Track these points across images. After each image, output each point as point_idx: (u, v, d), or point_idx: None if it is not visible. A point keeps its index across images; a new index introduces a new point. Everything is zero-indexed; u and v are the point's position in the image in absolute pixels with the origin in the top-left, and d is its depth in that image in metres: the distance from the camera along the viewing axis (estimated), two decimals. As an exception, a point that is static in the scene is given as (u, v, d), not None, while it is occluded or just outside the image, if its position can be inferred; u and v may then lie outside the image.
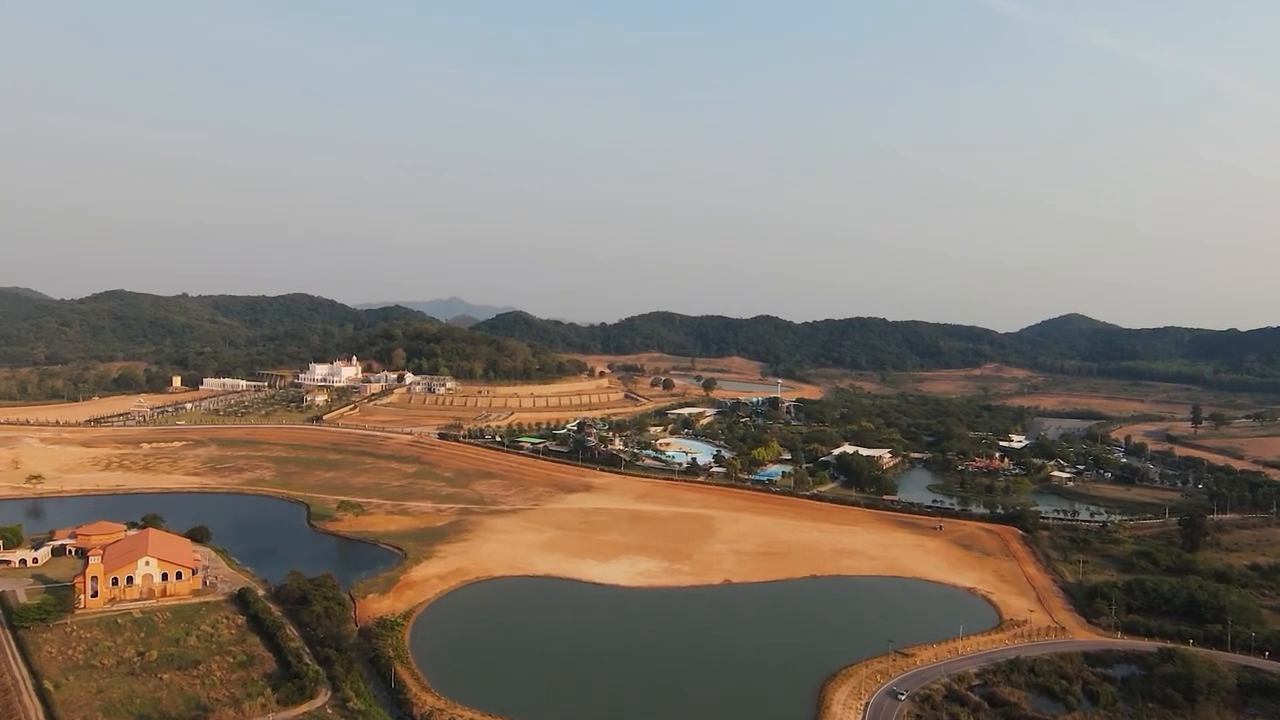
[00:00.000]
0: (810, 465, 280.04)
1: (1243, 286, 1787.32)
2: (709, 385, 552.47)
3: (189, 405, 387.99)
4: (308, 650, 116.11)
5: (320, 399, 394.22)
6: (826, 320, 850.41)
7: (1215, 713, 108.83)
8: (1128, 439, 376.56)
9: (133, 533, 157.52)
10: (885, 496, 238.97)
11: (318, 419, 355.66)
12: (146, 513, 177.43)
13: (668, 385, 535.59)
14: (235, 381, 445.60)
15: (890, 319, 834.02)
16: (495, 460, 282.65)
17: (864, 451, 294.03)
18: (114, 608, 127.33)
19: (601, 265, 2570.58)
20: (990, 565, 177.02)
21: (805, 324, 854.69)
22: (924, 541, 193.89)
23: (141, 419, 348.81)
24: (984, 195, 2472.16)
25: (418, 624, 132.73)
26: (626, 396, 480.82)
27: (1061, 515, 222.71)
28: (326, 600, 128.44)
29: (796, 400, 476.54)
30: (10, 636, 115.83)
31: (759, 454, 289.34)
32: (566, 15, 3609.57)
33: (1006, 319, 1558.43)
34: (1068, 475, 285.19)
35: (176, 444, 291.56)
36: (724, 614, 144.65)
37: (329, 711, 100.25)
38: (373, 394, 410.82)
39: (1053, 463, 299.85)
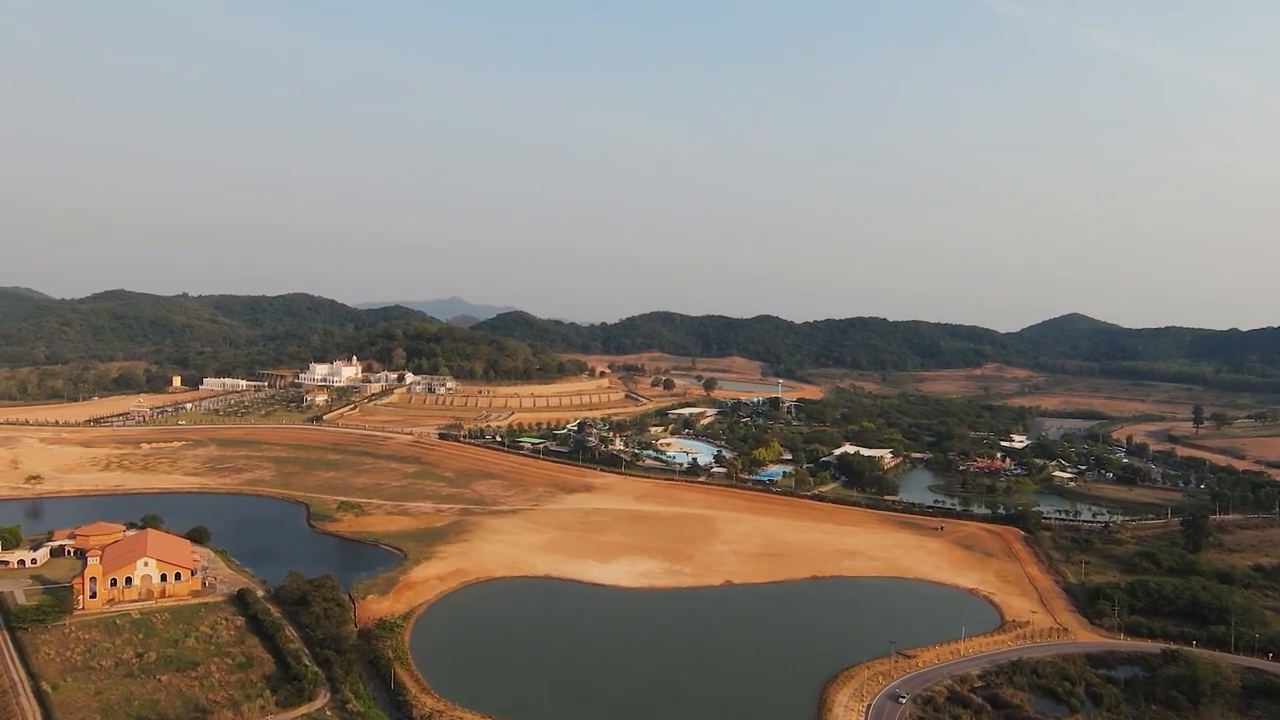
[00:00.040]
0: (811, 465, 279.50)
1: (1243, 286, 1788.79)
2: (710, 385, 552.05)
3: (189, 405, 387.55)
4: (307, 652, 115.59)
5: (320, 399, 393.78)
6: (827, 320, 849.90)
7: (1219, 715, 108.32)
8: (1129, 439, 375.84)
9: (132, 533, 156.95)
10: (887, 497, 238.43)
11: (318, 419, 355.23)
12: (146, 513, 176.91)
13: (668, 385, 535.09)
14: (235, 381, 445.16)
15: (891, 319, 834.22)
16: (495, 460, 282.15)
17: (865, 452, 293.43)
18: (112, 609, 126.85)
19: (602, 265, 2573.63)
20: (992, 566, 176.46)
21: (806, 324, 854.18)
22: (925, 542, 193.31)
23: (141, 419, 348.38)
24: (984, 195, 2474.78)
25: (418, 625, 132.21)
26: (627, 396, 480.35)
27: (1063, 516, 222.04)
28: (326, 601, 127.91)
29: (797, 400, 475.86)
30: (8, 638, 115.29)
31: (760, 454, 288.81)
32: (566, 15, 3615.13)
33: (1007, 319, 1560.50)
34: (1069, 475, 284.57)
35: (176, 444, 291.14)
36: (725, 615, 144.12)
37: (328, 713, 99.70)
38: (373, 394, 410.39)
39: (1054, 463, 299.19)
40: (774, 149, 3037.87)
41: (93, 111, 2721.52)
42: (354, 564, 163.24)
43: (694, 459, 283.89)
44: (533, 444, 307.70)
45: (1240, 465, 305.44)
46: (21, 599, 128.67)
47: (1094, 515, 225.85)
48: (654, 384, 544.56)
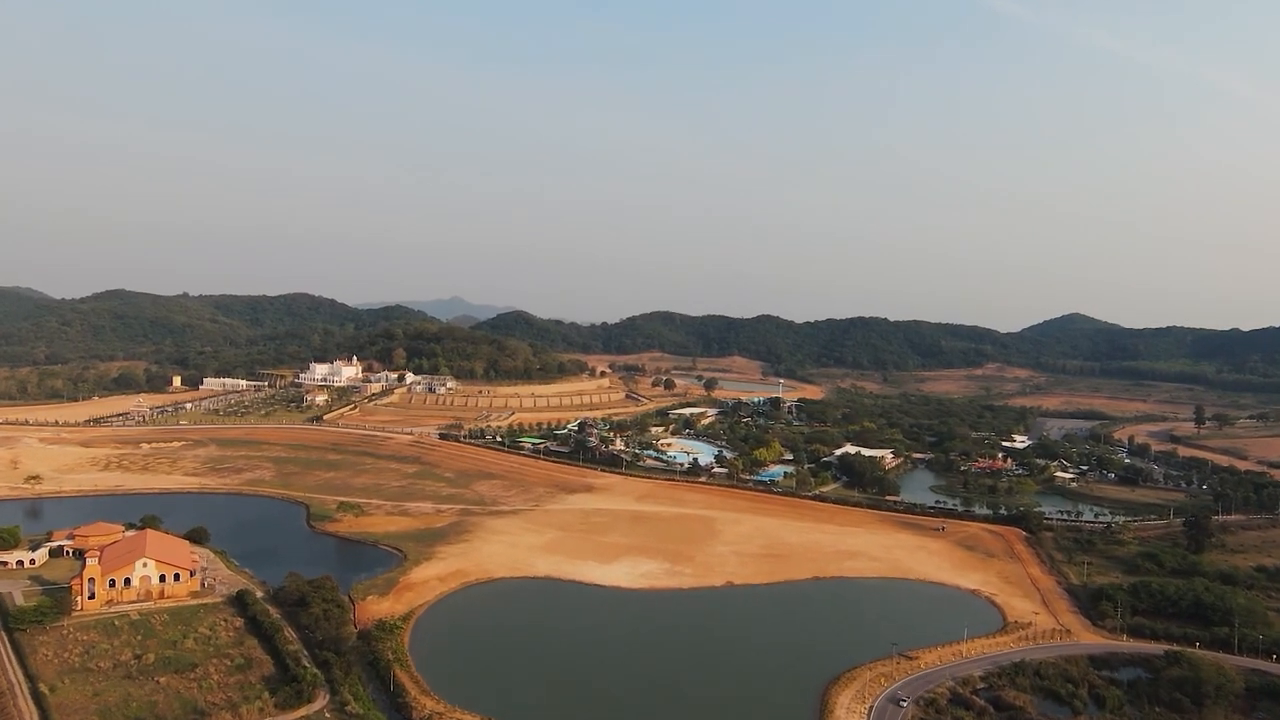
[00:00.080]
0: (812, 466, 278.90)
1: (1244, 286, 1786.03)
2: (710, 385, 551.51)
3: (189, 405, 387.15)
4: (306, 653, 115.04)
5: (320, 399, 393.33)
6: (828, 320, 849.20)
7: (1223, 717, 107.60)
8: (1131, 439, 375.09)
9: (131, 534, 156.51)
10: (888, 497, 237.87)
11: (318, 419, 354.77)
12: (145, 513, 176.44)
13: (669, 385, 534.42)
14: (235, 381, 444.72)
15: (892, 319, 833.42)
16: (496, 460, 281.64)
17: (866, 452, 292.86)
18: (111, 610, 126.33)
19: (602, 265, 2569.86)
20: (994, 567, 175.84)
21: (806, 324, 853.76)
22: (927, 543, 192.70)
23: (141, 419, 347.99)
24: (984, 195, 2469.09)
25: (417, 626, 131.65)
26: (628, 396, 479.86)
27: (1065, 516, 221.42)
28: (325, 602, 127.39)
29: (798, 400, 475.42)
30: (6, 639, 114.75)
31: (761, 454, 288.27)
32: (566, 15, 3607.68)
33: (1008, 319, 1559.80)
34: (1071, 476, 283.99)
35: (176, 444, 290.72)
36: (726, 616, 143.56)
37: (327, 715, 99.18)
38: (373, 394, 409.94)
39: (1056, 463, 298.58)
40: (774, 149, 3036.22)
41: (93, 111, 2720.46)
42: (354, 564, 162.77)
43: (695, 459, 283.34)
44: (533, 444, 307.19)
45: (1242, 465, 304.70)
46: (20, 600, 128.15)
47: (1096, 516, 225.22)
48: (654, 384, 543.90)
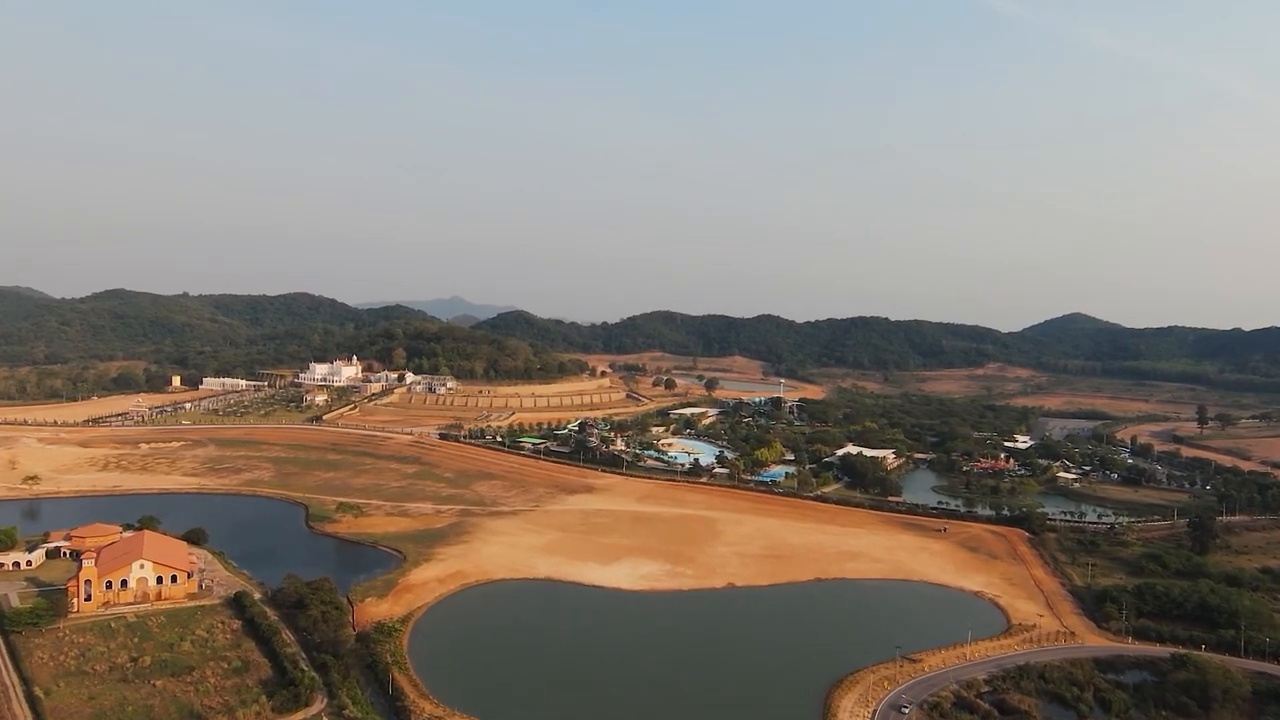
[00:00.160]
0: (814, 466, 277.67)
1: (1246, 286, 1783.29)
2: (711, 385, 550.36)
3: (188, 405, 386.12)
4: (304, 656, 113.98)
5: (320, 399, 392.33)
6: (829, 319, 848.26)
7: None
8: (1133, 439, 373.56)
9: (128, 535, 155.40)
10: (890, 498, 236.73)
11: (317, 419, 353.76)
12: (143, 514, 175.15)
13: (670, 385, 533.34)
14: (235, 381, 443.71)
15: (893, 318, 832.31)
16: (496, 461, 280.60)
17: (868, 452, 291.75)
18: (107, 612, 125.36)
19: (602, 265, 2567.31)
20: (997, 568, 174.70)
21: (807, 323, 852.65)
22: (929, 544, 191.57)
23: (140, 419, 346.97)
24: (984, 195, 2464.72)
25: (416, 628, 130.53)
26: (628, 396, 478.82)
27: (1068, 517, 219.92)
28: (324, 604, 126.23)
29: (799, 400, 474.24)
30: (2, 642, 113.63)
31: (762, 455, 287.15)
32: (566, 15, 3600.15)
33: (1009, 318, 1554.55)
34: (1074, 476, 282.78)
35: (175, 444, 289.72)
36: (728, 618, 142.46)
37: (324, 719, 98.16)
38: (373, 394, 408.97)
39: (1058, 463, 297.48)
40: (774, 149, 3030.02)
41: (93, 111, 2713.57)
42: (352, 566, 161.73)
43: (696, 459, 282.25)
44: (533, 444, 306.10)
45: (1246, 466, 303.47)
46: (15, 602, 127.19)
47: (1099, 516, 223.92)
48: (655, 384, 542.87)
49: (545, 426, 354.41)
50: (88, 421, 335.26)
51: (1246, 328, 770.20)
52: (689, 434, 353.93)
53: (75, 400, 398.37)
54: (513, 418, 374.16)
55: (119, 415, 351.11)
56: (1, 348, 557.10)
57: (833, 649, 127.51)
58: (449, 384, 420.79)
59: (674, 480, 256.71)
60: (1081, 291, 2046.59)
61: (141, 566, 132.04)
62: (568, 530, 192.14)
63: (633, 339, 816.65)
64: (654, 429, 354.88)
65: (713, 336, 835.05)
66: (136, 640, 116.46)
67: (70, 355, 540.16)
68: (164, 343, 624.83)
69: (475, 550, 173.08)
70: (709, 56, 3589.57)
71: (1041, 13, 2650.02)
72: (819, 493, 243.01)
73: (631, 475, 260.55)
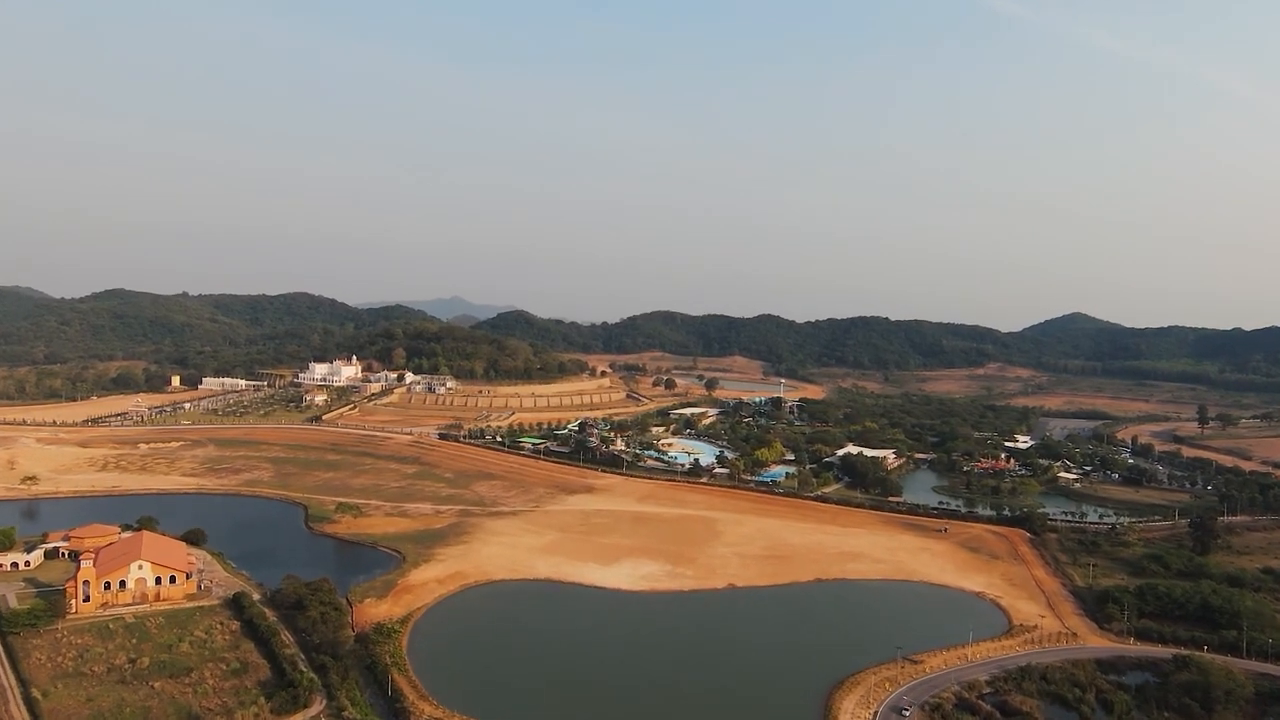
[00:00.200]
0: (814, 466, 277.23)
1: (1246, 286, 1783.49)
2: (711, 385, 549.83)
3: (188, 405, 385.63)
4: (303, 657, 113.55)
5: (320, 399, 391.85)
6: (829, 319, 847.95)
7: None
8: (1134, 439, 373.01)
9: (127, 535, 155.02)
10: (890, 498, 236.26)
11: (317, 419, 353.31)
12: (142, 514, 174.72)
13: (670, 385, 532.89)
14: (234, 381, 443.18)
15: (893, 318, 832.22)
16: (496, 461, 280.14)
17: (868, 452, 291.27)
18: (106, 613, 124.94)
19: (602, 265, 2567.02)
20: (998, 568, 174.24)
21: (807, 323, 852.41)
22: (930, 544, 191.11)
23: (139, 419, 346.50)
24: (984, 195, 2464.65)
25: (416, 629, 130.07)
26: (628, 396, 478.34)
27: (1069, 517, 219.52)
28: (323, 605, 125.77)
29: (799, 400, 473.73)
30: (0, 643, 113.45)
31: (762, 455, 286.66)
32: (566, 15, 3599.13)
33: (1009, 318, 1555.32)
34: (1075, 476, 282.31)
35: (174, 444, 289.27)
36: (728, 618, 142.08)
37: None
38: (372, 394, 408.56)
39: (1059, 463, 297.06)
40: (774, 149, 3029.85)
41: (93, 111, 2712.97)
42: (352, 566, 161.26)
43: (696, 459, 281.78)
44: (533, 444, 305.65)
45: (1247, 466, 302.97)
46: (14, 603, 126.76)
47: (1100, 517, 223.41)
48: (655, 384, 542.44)
49: (545, 426, 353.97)
50: (87, 421, 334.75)
51: (1247, 327, 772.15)
52: (689, 434, 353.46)
53: (74, 400, 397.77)
54: (513, 418, 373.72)
55: (118, 415, 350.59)
56: (1, 347, 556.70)
57: (833, 650, 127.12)
58: (449, 384, 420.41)
59: (674, 480, 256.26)
60: (1082, 291, 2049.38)
61: (140, 567, 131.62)
62: (568, 530, 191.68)
63: (633, 339, 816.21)
64: (654, 429, 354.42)
65: (713, 336, 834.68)
66: (135, 641, 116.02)
67: (70, 355, 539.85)
68: (163, 343, 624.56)
69: (475, 551, 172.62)
70: (709, 56, 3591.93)
71: (1041, 13, 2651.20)
72: (819, 493, 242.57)
73: (631, 475, 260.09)
